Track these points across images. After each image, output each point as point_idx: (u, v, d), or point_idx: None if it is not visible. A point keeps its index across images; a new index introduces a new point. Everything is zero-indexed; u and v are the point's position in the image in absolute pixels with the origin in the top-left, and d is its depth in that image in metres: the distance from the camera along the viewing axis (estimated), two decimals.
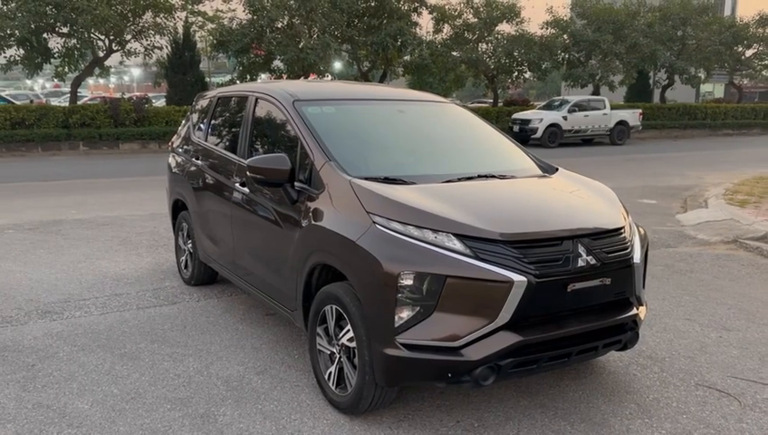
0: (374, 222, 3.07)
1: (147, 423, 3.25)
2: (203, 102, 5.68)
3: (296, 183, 3.66)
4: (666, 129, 28.29)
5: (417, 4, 23.81)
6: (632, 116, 24.56)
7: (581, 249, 3.08)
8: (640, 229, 3.65)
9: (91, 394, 3.56)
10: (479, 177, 3.66)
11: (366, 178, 3.37)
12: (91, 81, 32.22)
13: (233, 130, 4.85)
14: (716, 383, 3.74)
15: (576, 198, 3.65)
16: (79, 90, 21.87)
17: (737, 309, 5.06)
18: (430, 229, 2.97)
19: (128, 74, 51.16)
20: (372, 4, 23.00)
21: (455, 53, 25.74)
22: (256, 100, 4.49)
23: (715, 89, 51.44)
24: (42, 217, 8.76)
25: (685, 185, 12.29)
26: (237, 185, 4.34)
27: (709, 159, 18.13)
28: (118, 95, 24.48)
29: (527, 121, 22.70)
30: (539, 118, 22.79)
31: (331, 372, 3.41)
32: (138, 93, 34.31)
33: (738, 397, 3.57)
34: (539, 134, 22.06)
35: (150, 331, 4.54)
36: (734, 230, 7.83)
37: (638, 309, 3.38)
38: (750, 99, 43.18)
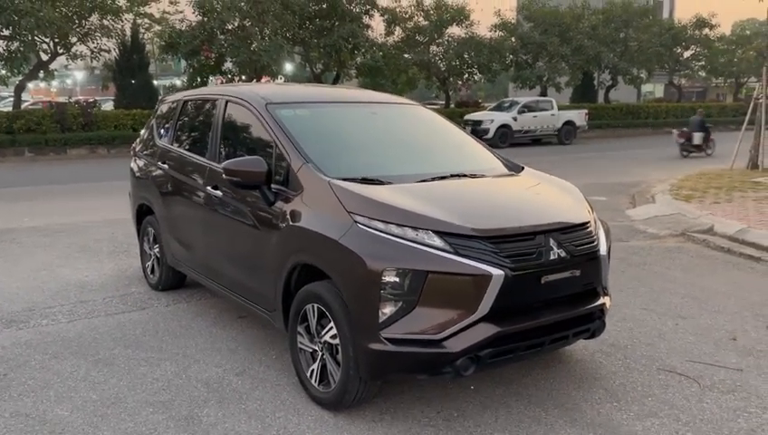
0: (356, 221, 3.16)
1: (131, 427, 3.26)
2: (167, 106, 5.65)
3: (273, 185, 3.71)
4: (610, 128, 29.22)
5: (368, 7, 23.96)
6: (579, 116, 25.30)
7: (553, 243, 3.24)
8: (604, 224, 3.84)
9: (70, 401, 3.53)
10: (452, 176, 3.79)
11: (344, 179, 3.45)
12: (31, 84, 31.17)
13: (201, 133, 4.85)
14: (676, 367, 3.97)
15: (544, 195, 3.82)
16: None
17: (690, 298, 5.34)
18: (411, 227, 3.08)
19: (70, 78, 49.60)
20: (324, 6, 23.02)
21: (406, 56, 26.06)
22: (226, 103, 4.51)
23: (655, 89, 53.31)
24: None
25: (631, 182, 12.76)
26: (209, 188, 4.35)
27: (652, 156, 18.84)
28: (62, 99, 23.80)
29: (479, 123, 23.11)
30: (490, 119, 23.27)
31: (313, 370, 3.48)
32: (82, 97, 33.34)
33: (697, 379, 3.80)
34: (490, 135, 22.44)
35: (122, 337, 4.51)
36: (682, 224, 8.22)
37: (604, 299, 3.57)
38: (688, 98, 44.97)
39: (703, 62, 37.65)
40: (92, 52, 20.83)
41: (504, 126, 23.11)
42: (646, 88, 47.41)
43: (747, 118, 13.74)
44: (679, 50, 34.36)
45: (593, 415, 3.39)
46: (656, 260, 6.62)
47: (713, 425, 3.29)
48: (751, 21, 49.42)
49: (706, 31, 34.03)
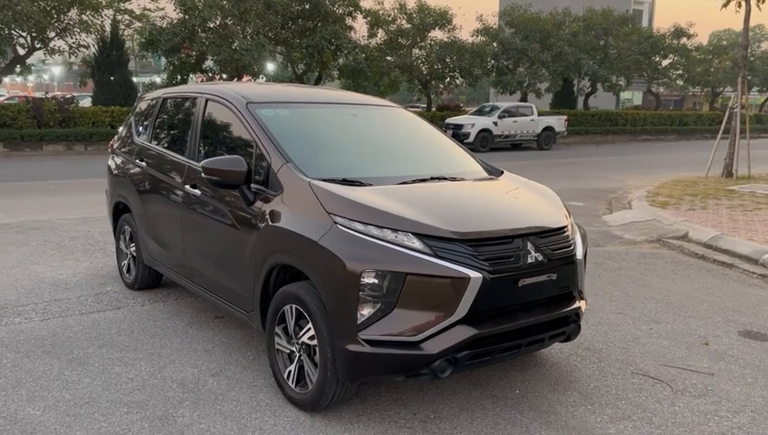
0: (335, 222, 3.16)
1: (104, 427, 3.22)
2: (146, 103, 5.60)
3: (252, 185, 3.70)
4: (589, 134, 29.54)
5: (351, 9, 23.97)
6: (558, 122, 25.53)
7: (530, 247, 3.27)
8: (581, 229, 3.88)
9: (42, 400, 3.48)
10: (432, 179, 3.81)
11: (324, 180, 3.45)
12: (6, 79, 30.68)
13: (181, 131, 4.81)
14: (650, 371, 4.02)
15: (523, 199, 3.85)
16: None
17: (664, 303, 5.42)
18: (390, 229, 3.08)
19: (48, 73, 48.88)
20: (307, 6, 22.99)
21: (389, 58, 26.10)
22: (206, 101, 4.48)
23: (634, 96, 53.99)
24: None
25: (609, 188, 12.90)
26: (188, 187, 4.32)
27: (630, 163, 19.07)
28: (39, 94, 23.47)
29: (460, 126, 23.20)
30: (471, 123, 23.37)
31: (290, 371, 3.46)
32: (59, 92, 32.89)
33: (670, 383, 3.86)
34: (471, 139, 22.56)
35: (97, 336, 4.45)
36: (658, 230, 8.33)
37: (579, 302, 3.61)
38: (666, 106, 45.70)
39: (680, 71, 38.24)
40: (71, 47, 20.60)
41: (485, 130, 23.24)
42: (624, 95, 48.08)
43: (723, 127, 13.96)
44: (658, 58, 34.82)
45: (568, 418, 3.42)
46: (631, 265, 6.70)
47: (684, 428, 3.34)
48: (727, 31, 50.37)
49: (684, 40, 34.56)
